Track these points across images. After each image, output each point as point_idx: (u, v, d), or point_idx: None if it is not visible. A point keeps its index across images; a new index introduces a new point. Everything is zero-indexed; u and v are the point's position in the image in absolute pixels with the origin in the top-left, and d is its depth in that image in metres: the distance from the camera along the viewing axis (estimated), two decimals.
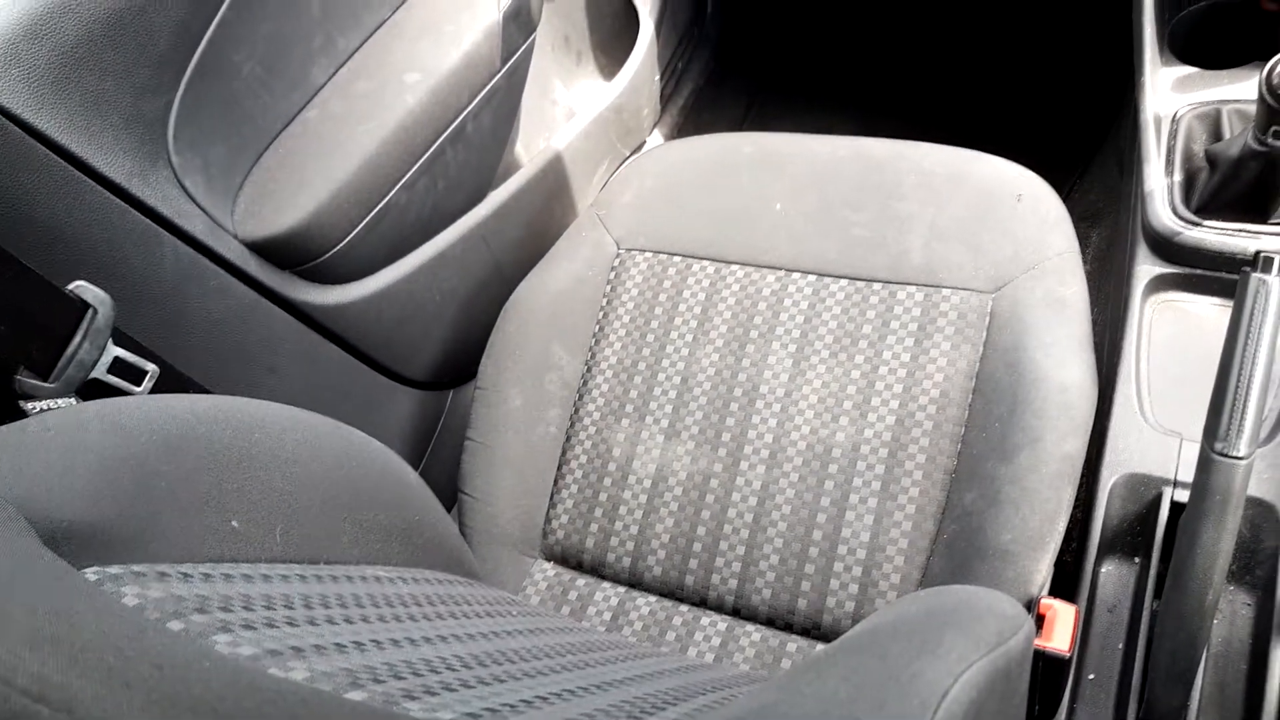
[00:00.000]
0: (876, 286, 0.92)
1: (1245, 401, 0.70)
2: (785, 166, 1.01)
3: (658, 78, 1.45)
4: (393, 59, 0.99)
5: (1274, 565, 0.79)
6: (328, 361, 0.95)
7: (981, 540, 0.78)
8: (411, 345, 1.06)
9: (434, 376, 1.11)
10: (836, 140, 1.01)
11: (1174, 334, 0.94)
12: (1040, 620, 0.73)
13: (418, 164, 0.98)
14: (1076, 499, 0.86)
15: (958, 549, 0.80)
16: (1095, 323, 0.99)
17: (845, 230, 0.96)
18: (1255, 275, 0.73)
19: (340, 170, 0.91)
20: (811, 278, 0.95)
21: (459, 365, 1.14)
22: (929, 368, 0.87)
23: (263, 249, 0.86)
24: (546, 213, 1.22)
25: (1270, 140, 0.84)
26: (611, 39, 1.42)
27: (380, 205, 0.95)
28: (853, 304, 0.93)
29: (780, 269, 0.96)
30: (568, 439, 0.94)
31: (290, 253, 0.88)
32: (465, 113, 1.03)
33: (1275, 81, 0.79)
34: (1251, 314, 0.72)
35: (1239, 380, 0.70)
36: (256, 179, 0.88)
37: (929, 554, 0.82)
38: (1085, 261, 1.31)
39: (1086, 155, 1.43)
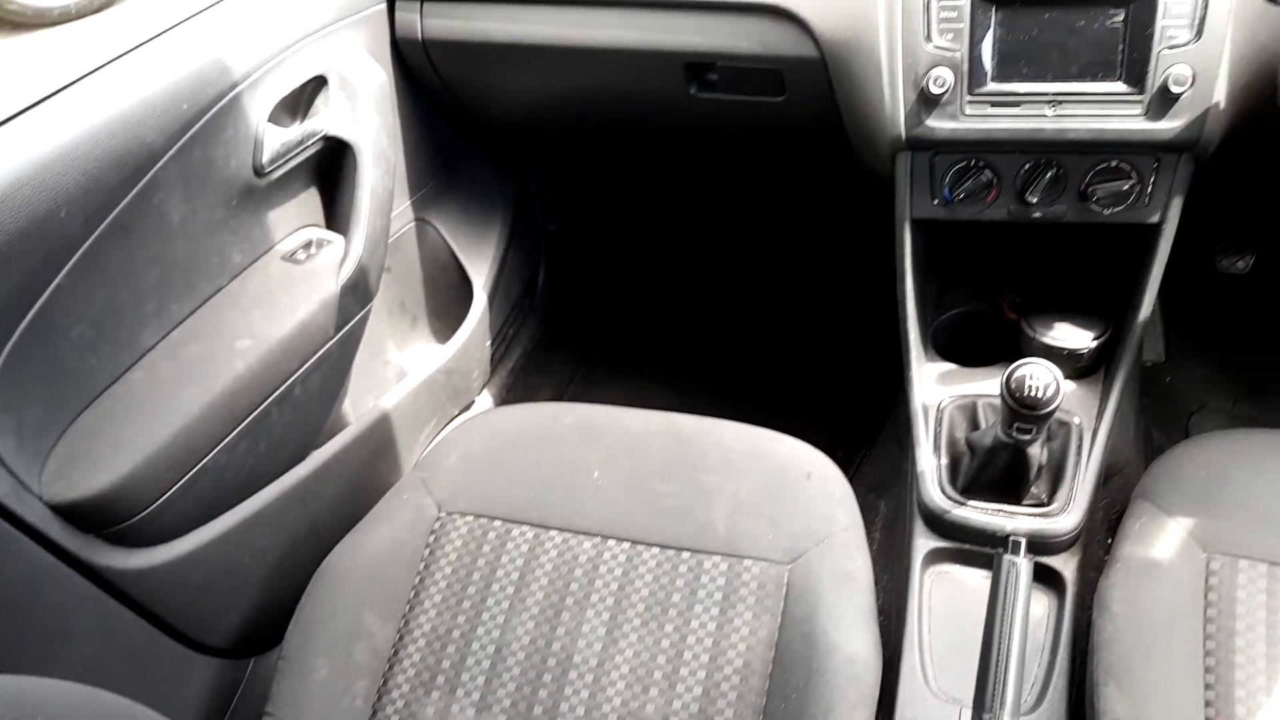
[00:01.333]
0: (685, 555, 0.98)
1: (1005, 674, 0.77)
2: (602, 437, 1.08)
3: (489, 343, 1.53)
4: (226, 325, 1.02)
5: None
6: (124, 629, 0.91)
7: None
8: (216, 610, 1.02)
9: (236, 644, 1.07)
10: (649, 415, 1.09)
11: (951, 604, 1.03)
12: None
13: (240, 426, 1.00)
14: None
15: None
16: (884, 590, 1.08)
17: (656, 500, 1.02)
18: (1006, 557, 0.83)
19: (159, 432, 0.91)
20: (625, 544, 1.00)
21: (264, 631, 1.10)
22: (733, 637, 0.92)
23: (68, 511, 0.84)
24: (369, 473, 1.24)
25: (1014, 434, 0.99)
26: (446, 306, 1.51)
27: (197, 468, 0.95)
28: (663, 572, 0.97)
29: (596, 535, 1.01)
30: (374, 714, 0.91)
31: (97, 516, 0.86)
32: (294, 377, 1.06)
33: (1013, 387, 0.94)
34: (1005, 592, 0.81)
35: (998, 655, 0.78)
36: (71, 439, 0.87)
37: None
38: (875, 529, 1.43)
39: (873, 432, 1.58)
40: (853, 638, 0.88)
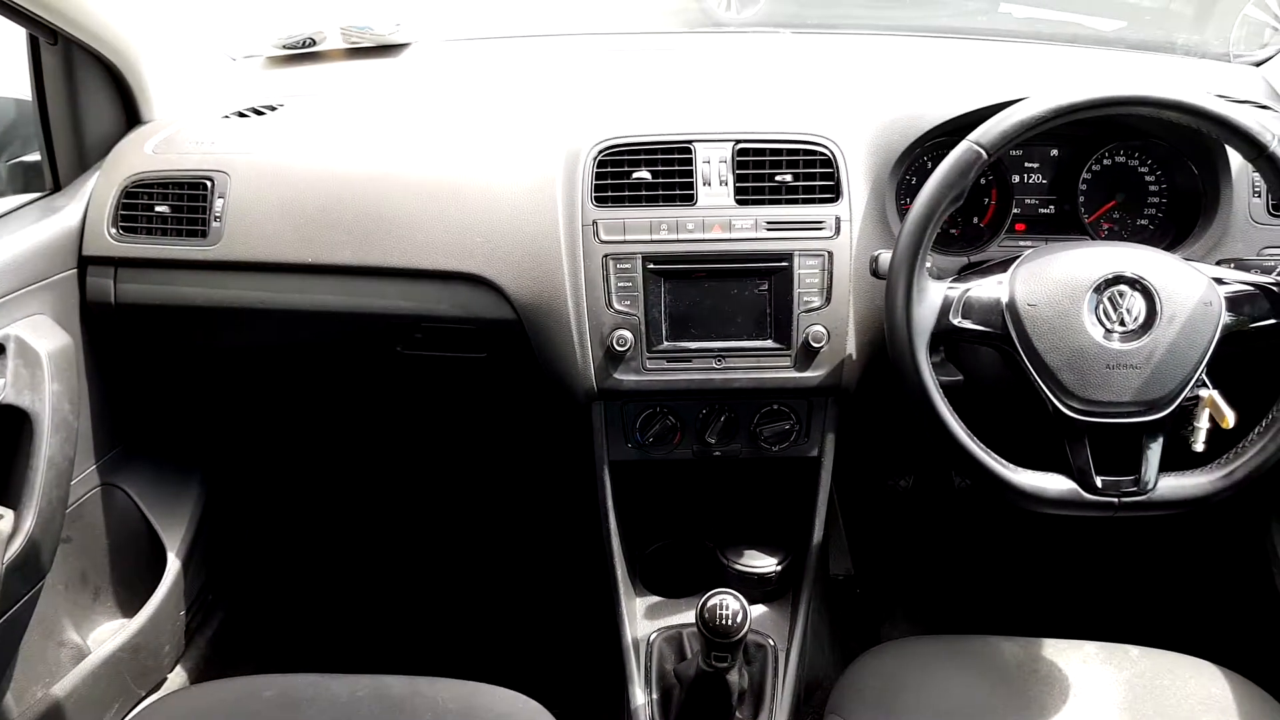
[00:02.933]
0: None
1: None
2: (306, 711, 1.02)
3: (183, 613, 1.42)
4: None
5: None
6: None
7: None
8: None
9: None
10: (356, 680, 1.05)
11: None
12: None
13: None
14: None
15: None
16: None
17: None
18: None
19: None
20: None
21: None
22: None
23: None
24: None
25: (713, 663, 1.05)
26: (136, 575, 1.40)
27: None
28: None
29: None
30: None
31: None
32: None
33: (706, 617, 1.00)
34: None
35: None
36: None
37: None
38: None
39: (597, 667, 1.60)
40: None
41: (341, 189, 1.21)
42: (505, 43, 1.64)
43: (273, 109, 1.39)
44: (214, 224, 1.22)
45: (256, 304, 1.23)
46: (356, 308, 1.21)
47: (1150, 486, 0.98)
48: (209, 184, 1.23)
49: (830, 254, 1.14)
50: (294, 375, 1.47)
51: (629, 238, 1.13)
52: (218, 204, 1.22)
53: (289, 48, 1.54)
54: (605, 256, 1.13)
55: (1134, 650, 1.12)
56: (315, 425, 1.77)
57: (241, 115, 1.37)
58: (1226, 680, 1.07)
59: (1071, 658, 1.10)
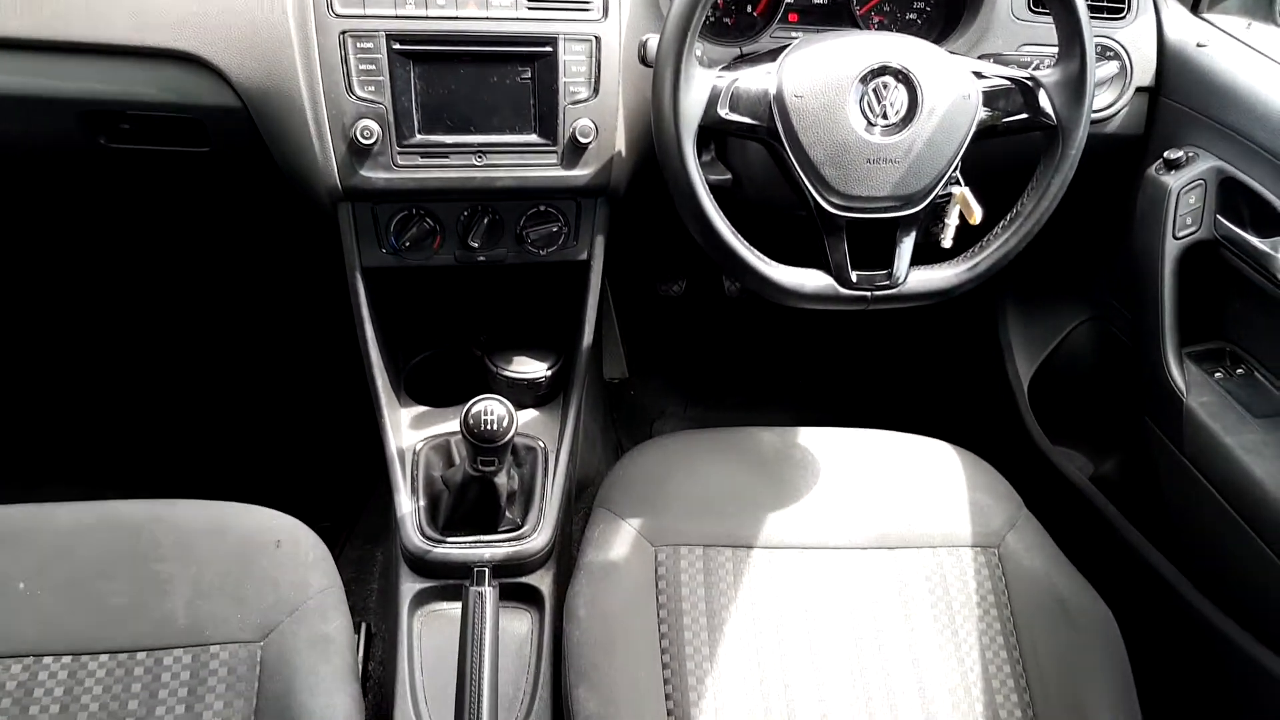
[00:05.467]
0: (141, 656, 0.87)
1: (480, 699, 0.80)
2: (24, 541, 0.92)
3: None
4: None
5: None
6: None
7: None
8: None
9: None
10: (83, 507, 0.96)
11: (442, 642, 1.04)
12: None
13: None
14: None
15: None
16: (384, 640, 1.05)
17: (100, 601, 0.90)
18: (472, 589, 0.85)
19: None
20: (66, 659, 0.86)
21: None
22: None
23: None
24: None
25: (480, 467, 1.02)
26: None
27: None
28: (115, 680, 0.86)
29: (27, 656, 0.86)
30: None
31: None
32: None
33: (471, 423, 0.97)
34: (472, 621, 0.83)
35: (471, 681, 0.81)
36: None
37: None
38: (373, 580, 1.41)
39: (369, 483, 1.56)
40: (334, 701, 0.85)
41: None
42: None
43: None
44: None
45: None
46: (42, 92, 1.02)
47: (901, 280, 1.01)
48: None
49: (598, 39, 1.06)
50: None
51: (369, 11, 1.00)
52: None
53: None
54: (343, 33, 0.99)
55: (881, 434, 1.19)
56: (33, 235, 1.55)
57: None
58: (960, 457, 1.17)
59: (825, 444, 1.17)
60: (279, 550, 0.96)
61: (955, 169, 1.00)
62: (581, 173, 1.10)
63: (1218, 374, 1.20)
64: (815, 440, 1.17)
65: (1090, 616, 1.02)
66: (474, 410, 0.97)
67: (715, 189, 0.98)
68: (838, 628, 1.01)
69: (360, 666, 1.20)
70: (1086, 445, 1.51)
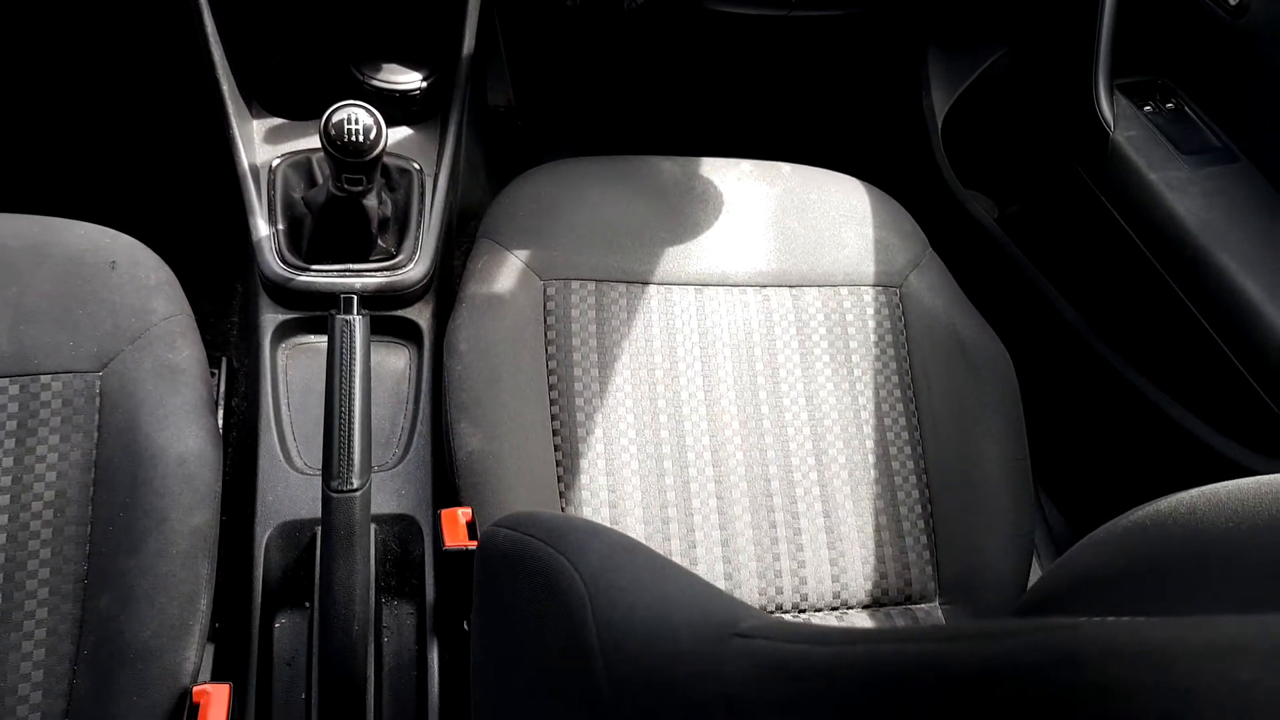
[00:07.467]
0: None
1: (350, 437, 0.73)
2: None
3: None
4: None
5: (423, 572, 0.86)
6: None
7: (123, 644, 0.70)
8: None
9: None
10: None
11: (309, 377, 0.96)
12: (196, 710, 0.68)
13: None
14: (236, 560, 0.83)
15: (101, 661, 0.70)
16: (246, 374, 0.97)
17: None
18: (339, 317, 0.77)
19: None
20: None
21: None
22: (38, 468, 0.75)
23: None
24: None
25: (346, 186, 0.91)
26: None
27: None
28: None
29: None
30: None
31: None
32: None
33: (333, 133, 0.85)
34: (341, 353, 0.75)
35: (341, 418, 0.74)
36: None
37: (71, 676, 0.71)
38: (234, 312, 1.30)
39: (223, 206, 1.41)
40: (184, 435, 0.77)
41: None
42: None
43: None
44: None
45: None
46: None
47: None
48: None
49: None
50: None
51: None
52: None
53: None
54: None
55: (786, 167, 1.12)
56: None
57: None
58: (866, 192, 1.11)
59: (728, 175, 1.09)
60: (115, 272, 0.84)
61: None
62: None
63: (1147, 107, 1.15)
64: (718, 171, 1.09)
65: (987, 356, 1.01)
66: (335, 118, 0.84)
67: None
68: (734, 365, 0.97)
69: (223, 403, 1.12)
70: (997, 190, 1.47)
